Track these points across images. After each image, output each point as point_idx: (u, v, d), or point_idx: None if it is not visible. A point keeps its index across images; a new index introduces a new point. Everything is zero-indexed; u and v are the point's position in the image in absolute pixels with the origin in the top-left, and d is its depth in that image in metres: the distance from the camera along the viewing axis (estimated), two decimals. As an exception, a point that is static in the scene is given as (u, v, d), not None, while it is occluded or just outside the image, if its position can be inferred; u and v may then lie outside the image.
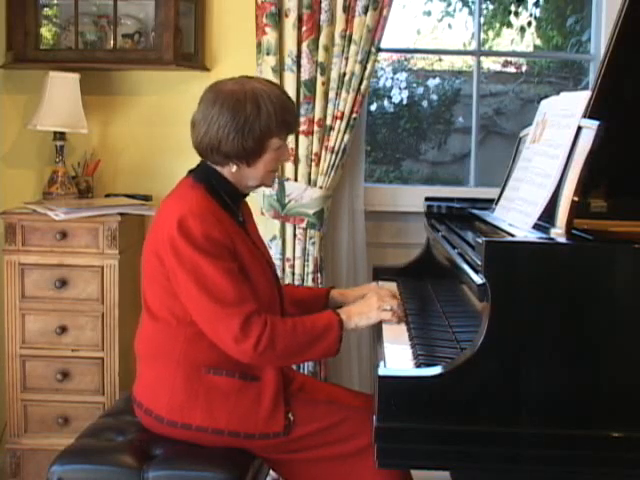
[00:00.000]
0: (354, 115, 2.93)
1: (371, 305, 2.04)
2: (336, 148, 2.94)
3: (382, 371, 1.62)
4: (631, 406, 1.58)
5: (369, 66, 2.92)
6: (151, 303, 2.02)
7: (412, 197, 3.13)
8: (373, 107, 5.42)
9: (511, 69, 5.72)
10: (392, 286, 2.46)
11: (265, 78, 2.00)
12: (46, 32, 3.12)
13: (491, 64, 5.66)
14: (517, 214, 1.96)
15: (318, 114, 2.92)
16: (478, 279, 1.63)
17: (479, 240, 1.62)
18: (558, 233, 1.71)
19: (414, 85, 5.60)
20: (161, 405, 1.99)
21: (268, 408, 1.96)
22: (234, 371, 1.97)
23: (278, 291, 2.11)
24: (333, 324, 1.95)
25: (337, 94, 2.92)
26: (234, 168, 2.01)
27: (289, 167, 2.94)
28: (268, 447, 1.99)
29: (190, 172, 2.08)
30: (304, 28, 2.90)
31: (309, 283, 2.97)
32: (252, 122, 1.94)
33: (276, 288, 2.10)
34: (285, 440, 1.97)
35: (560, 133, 1.90)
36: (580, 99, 1.90)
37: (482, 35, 4.88)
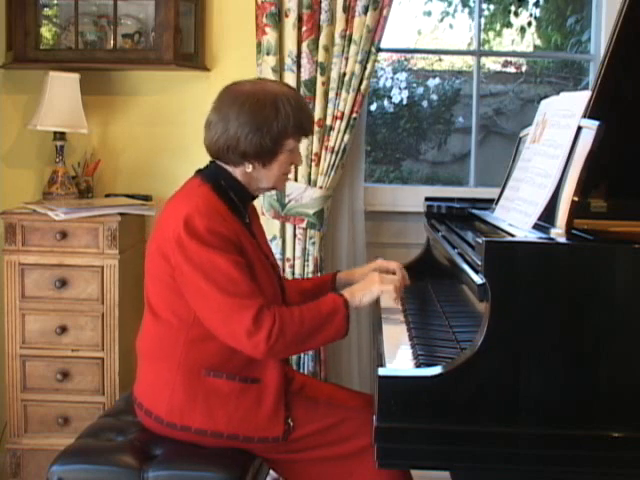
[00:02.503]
0: (354, 115, 2.93)
1: (372, 280, 2.04)
2: (336, 148, 2.94)
3: (382, 371, 1.61)
4: (631, 406, 1.58)
5: (369, 66, 2.92)
6: (154, 302, 2.01)
7: (412, 197, 3.13)
8: (373, 107, 5.42)
9: (511, 69, 5.72)
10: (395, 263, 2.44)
11: (282, 82, 2.03)
12: (46, 32, 3.12)
13: (491, 64, 5.67)
14: (517, 214, 1.96)
15: (318, 114, 2.92)
16: (478, 279, 1.63)
17: (479, 240, 1.62)
18: (558, 233, 1.71)
19: (414, 85, 5.60)
20: (161, 406, 1.98)
21: (268, 412, 1.96)
22: (234, 374, 1.96)
23: (282, 295, 2.11)
24: (339, 305, 1.94)
25: (337, 94, 2.92)
26: (249, 168, 2.01)
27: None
28: (268, 448, 1.99)
29: (198, 172, 2.07)
30: (304, 28, 2.90)
31: (309, 283, 2.97)
32: (271, 121, 1.96)
33: (279, 291, 2.10)
34: (285, 442, 1.97)
35: (560, 133, 1.90)
36: (580, 99, 1.90)
37: (482, 35, 4.88)
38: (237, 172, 2.03)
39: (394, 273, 2.19)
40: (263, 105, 1.96)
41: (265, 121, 1.95)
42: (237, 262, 1.89)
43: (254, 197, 2.12)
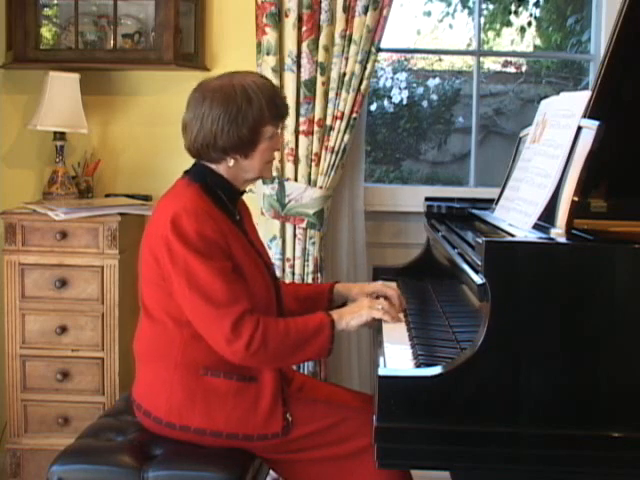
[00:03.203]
0: (354, 115, 2.93)
1: (362, 305, 2.05)
2: (336, 148, 2.94)
3: (382, 371, 1.62)
4: (631, 406, 1.58)
5: (369, 66, 2.92)
6: (148, 303, 2.02)
7: (412, 197, 3.13)
8: (373, 107, 5.42)
9: (511, 69, 5.72)
10: (394, 285, 2.46)
11: (251, 71, 2.02)
12: (46, 32, 3.12)
13: (491, 64, 5.66)
14: (517, 214, 1.96)
15: (318, 114, 2.92)
16: (478, 279, 1.63)
17: (479, 240, 1.62)
18: (558, 233, 1.71)
19: (414, 85, 5.60)
20: (159, 407, 1.98)
21: (266, 409, 1.96)
22: (232, 372, 1.96)
23: (275, 290, 2.10)
24: (325, 324, 1.95)
25: (337, 94, 2.92)
26: (231, 162, 2.01)
27: (289, 167, 2.94)
28: (267, 448, 1.99)
29: (186, 173, 2.08)
30: (304, 28, 2.90)
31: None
32: (245, 111, 1.95)
33: (273, 287, 2.09)
34: (284, 440, 1.97)
35: (560, 133, 1.90)
36: (580, 99, 1.90)
37: (482, 35, 4.88)
38: (221, 169, 2.03)
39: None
40: (234, 96, 1.95)
41: (239, 112, 1.95)
42: (220, 269, 1.89)
43: (242, 192, 2.12)
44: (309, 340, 1.93)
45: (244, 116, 1.95)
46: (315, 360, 2.90)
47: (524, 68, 5.70)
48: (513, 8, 5.37)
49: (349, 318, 2.01)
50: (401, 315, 2.11)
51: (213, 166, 2.03)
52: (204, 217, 1.92)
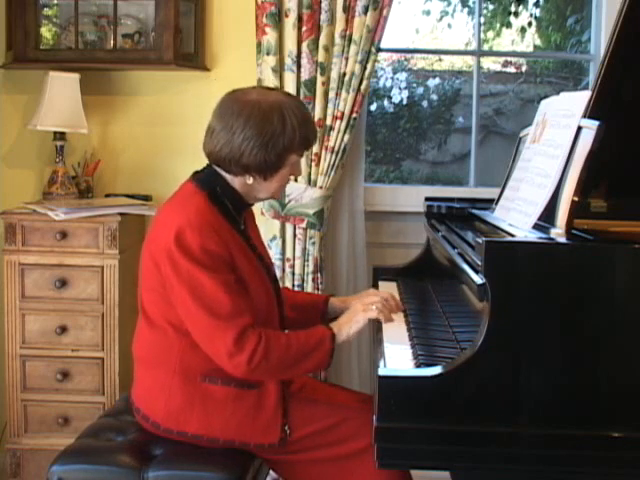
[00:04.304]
0: (354, 115, 2.93)
1: (356, 310, 2.04)
2: (336, 148, 2.94)
3: (382, 371, 1.62)
4: (631, 406, 1.58)
5: (369, 66, 2.92)
6: (148, 309, 2.00)
7: (412, 197, 3.13)
8: (373, 107, 5.42)
9: (511, 69, 5.72)
10: (392, 287, 2.46)
11: (285, 91, 1.97)
12: (46, 32, 3.12)
13: (491, 64, 5.67)
14: (517, 214, 1.96)
15: (318, 114, 2.92)
16: (478, 279, 1.63)
17: (479, 240, 1.62)
18: (558, 233, 1.71)
19: (414, 85, 5.60)
20: (157, 412, 1.98)
21: (265, 419, 1.95)
22: (230, 379, 1.95)
23: (277, 299, 2.09)
24: (325, 338, 1.94)
25: (337, 94, 2.92)
26: (250, 180, 1.98)
27: (289, 167, 2.94)
28: (266, 452, 1.99)
29: (195, 174, 2.05)
30: (304, 28, 2.90)
31: (309, 283, 2.97)
32: (277, 137, 1.92)
33: (275, 297, 2.08)
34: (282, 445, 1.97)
35: (560, 133, 1.90)
36: (580, 99, 1.90)
37: (482, 35, 4.88)
38: (236, 182, 2.00)
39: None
40: (270, 119, 1.91)
41: (272, 137, 1.92)
42: (224, 282, 1.88)
43: (250, 205, 2.10)
44: (309, 354, 1.92)
45: (275, 142, 1.92)
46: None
47: (524, 68, 5.70)
48: (513, 8, 5.37)
49: (347, 327, 2.00)
50: (401, 315, 2.11)
51: (228, 177, 2.00)
52: (208, 231, 1.89)
